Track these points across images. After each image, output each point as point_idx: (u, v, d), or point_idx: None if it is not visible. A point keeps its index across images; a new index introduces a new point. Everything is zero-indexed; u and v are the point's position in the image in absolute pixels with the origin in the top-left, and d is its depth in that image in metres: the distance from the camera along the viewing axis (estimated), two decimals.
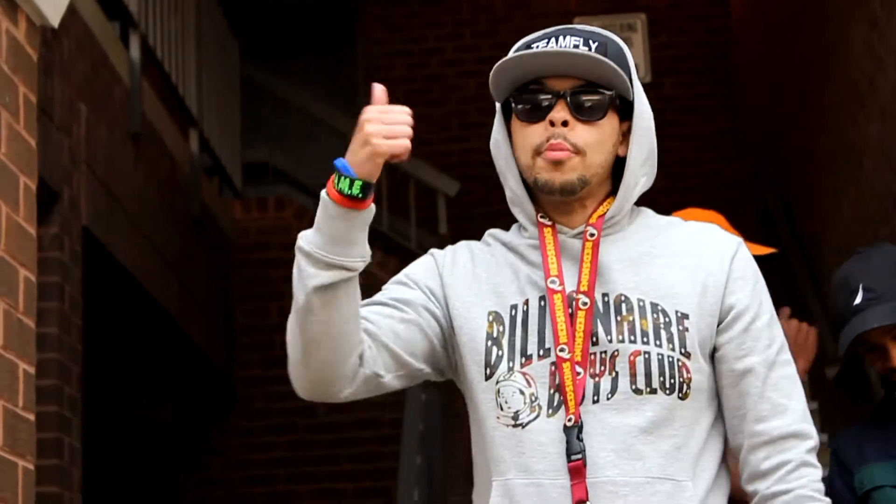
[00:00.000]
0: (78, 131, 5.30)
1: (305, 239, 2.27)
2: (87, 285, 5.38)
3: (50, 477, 4.89)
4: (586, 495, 2.23)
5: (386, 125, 2.18)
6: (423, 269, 2.44)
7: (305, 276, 2.29)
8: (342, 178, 2.22)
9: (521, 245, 2.40)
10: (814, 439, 2.36)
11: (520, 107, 2.35)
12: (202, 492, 7.88)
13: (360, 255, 2.27)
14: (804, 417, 2.35)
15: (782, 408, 2.32)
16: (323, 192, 2.24)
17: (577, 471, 2.24)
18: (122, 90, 5.96)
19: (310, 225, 8.43)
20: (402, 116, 2.19)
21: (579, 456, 2.24)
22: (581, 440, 2.24)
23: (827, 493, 2.53)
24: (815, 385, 7.20)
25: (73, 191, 5.19)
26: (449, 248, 2.47)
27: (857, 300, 3.04)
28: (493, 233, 2.47)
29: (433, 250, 2.48)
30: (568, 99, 2.31)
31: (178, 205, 6.88)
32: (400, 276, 2.46)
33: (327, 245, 2.25)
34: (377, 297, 2.41)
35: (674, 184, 9.64)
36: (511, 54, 2.36)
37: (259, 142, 9.29)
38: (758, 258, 3.65)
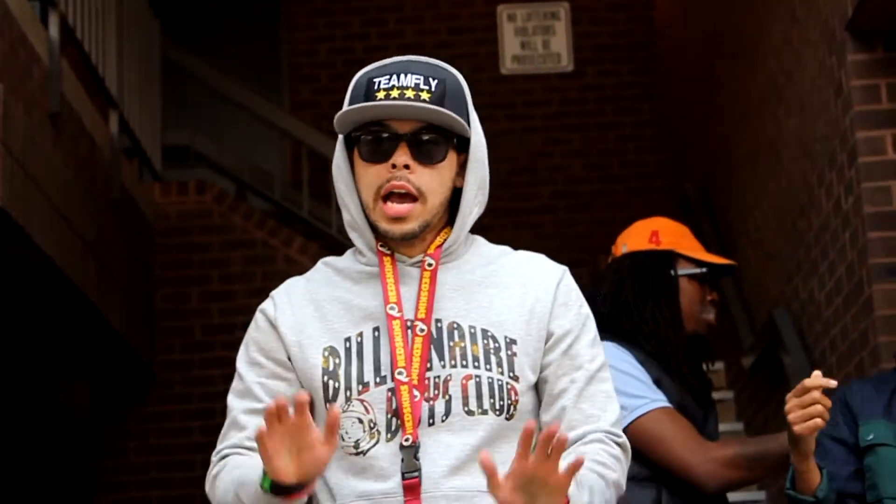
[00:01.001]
0: None
1: (246, 493, 2.34)
2: (3, 268, 5.31)
3: None
4: None
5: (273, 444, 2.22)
6: (263, 335, 2.51)
7: None
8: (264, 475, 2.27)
9: (357, 272, 2.50)
10: (624, 440, 2.47)
11: (363, 147, 2.43)
12: (119, 477, 7.81)
13: None
14: (615, 426, 2.47)
15: (595, 418, 2.45)
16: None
17: (412, 488, 2.36)
18: (40, 70, 5.89)
19: (230, 210, 8.31)
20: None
21: (415, 474, 2.36)
22: (417, 459, 2.36)
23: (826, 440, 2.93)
24: (731, 374, 7.27)
25: None
26: (276, 294, 2.54)
27: None
28: (327, 261, 2.56)
29: (262, 306, 2.54)
30: (409, 141, 2.40)
31: (98, 187, 6.81)
32: (251, 352, 2.51)
33: None
34: (248, 400, 2.47)
35: (594, 173, 9.70)
36: (354, 85, 2.47)
37: (180, 125, 9.21)
38: (717, 268, 3.76)
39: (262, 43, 10.25)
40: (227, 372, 9.18)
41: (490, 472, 2.19)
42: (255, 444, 2.36)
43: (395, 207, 2.40)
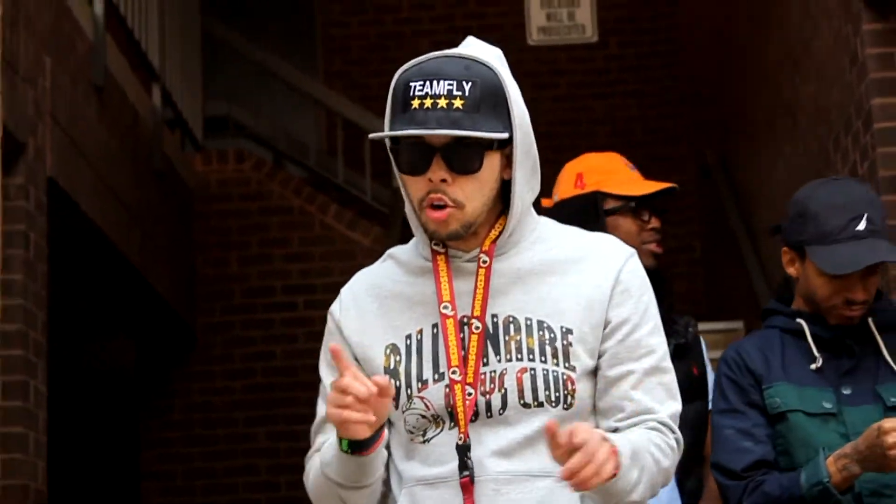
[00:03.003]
0: (43, 83, 5.24)
1: (332, 469, 2.34)
2: (51, 234, 5.34)
3: (17, 418, 4.87)
4: None
5: (337, 410, 2.22)
6: (333, 338, 2.49)
7: (343, 496, 2.37)
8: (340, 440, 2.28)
9: (418, 266, 2.45)
10: (679, 436, 2.38)
11: (401, 159, 2.37)
12: (163, 433, 7.87)
13: (377, 472, 2.36)
14: (672, 419, 2.38)
15: (652, 410, 2.36)
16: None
17: (466, 487, 2.32)
18: (85, 44, 5.90)
19: (268, 178, 8.30)
20: (351, 401, 2.20)
21: (467, 473, 2.32)
22: (469, 458, 2.33)
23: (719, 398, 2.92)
24: (743, 305, 7.26)
25: (38, 142, 5.14)
26: (343, 294, 2.52)
27: (862, 226, 3.02)
28: (392, 253, 2.52)
29: (331, 309, 2.51)
30: (443, 155, 2.32)
31: (141, 157, 6.83)
32: (328, 358, 2.50)
33: (348, 478, 2.34)
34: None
35: (619, 139, 9.67)
36: (394, 87, 2.37)
37: (220, 96, 9.21)
38: (658, 195, 3.50)
39: (297, 16, 10.24)
40: (267, 333, 9.19)
41: (551, 434, 2.15)
42: None
43: (434, 214, 2.34)
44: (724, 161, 8.20)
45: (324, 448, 2.38)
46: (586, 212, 3.40)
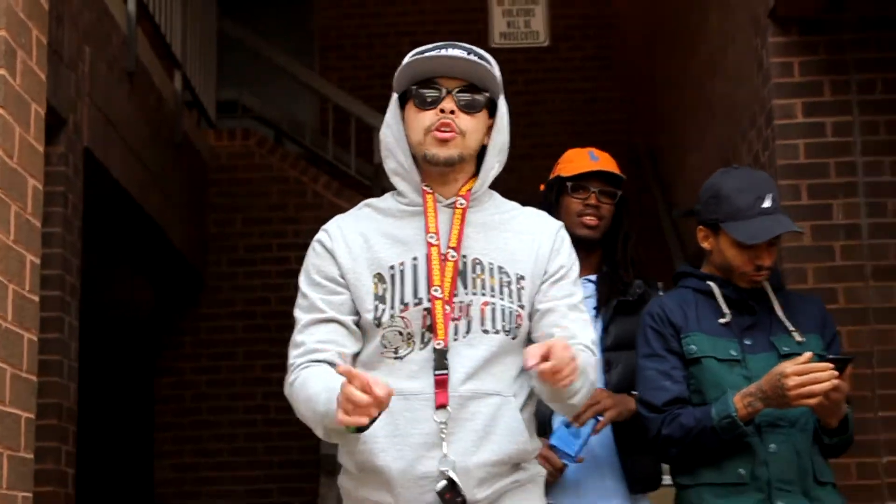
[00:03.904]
0: (83, 69, 5.22)
1: (328, 420, 2.33)
2: (86, 196, 5.33)
3: (53, 348, 4.88)
4: (447, 401, 2.39)
5: (346, 418, 2.22)
6: (323, 261, 2.51)
7: (328, 431, 2.37)
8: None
9: (399, 210, 2.53)
10: (595, 357, 2.49)
11: (418, 96, 2.47)
12: (176, 364, 7.88)
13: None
14: (592, 344, 2.50)
15: (574, 334, 2.47)
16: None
17: (442, 383, 2.40)
18: (119, 37, 5.88)
19: (269, 153, 8.27)
20: (365, 401, 2.20)
21: (444, 372, 2.40)
22: (446, 360, 2.41)
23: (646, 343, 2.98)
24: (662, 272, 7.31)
25: (77, 117, 5.13)
26: (329, 228, 2.55)
27: (767, 204, 3.06)
28: (369, 203, 2.60)
29: (319, 238, 2.54)
30: (455, 94, 2.46)
31: (164, 132, 6.81)
32: (312, 275, 2.52)
33: (339, 430, 2.33)
34: (314, 313, 2.47)
35: (564, 129, 9.70)
36: (410, 59, 2.48)
37: (231, 83, 9.19)
38: (582, 176, 3.50)
39: (299, 17, 10.20)
40: (265, 282, 9.14)
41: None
42: (322, 350, 2.43)
43: (441, 135, 2.45)
44: (651, 150, 8.24)
45: (316, 396, 2.37)
46: (547, 195, 3.55)
